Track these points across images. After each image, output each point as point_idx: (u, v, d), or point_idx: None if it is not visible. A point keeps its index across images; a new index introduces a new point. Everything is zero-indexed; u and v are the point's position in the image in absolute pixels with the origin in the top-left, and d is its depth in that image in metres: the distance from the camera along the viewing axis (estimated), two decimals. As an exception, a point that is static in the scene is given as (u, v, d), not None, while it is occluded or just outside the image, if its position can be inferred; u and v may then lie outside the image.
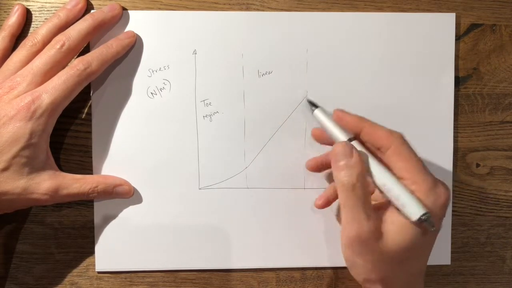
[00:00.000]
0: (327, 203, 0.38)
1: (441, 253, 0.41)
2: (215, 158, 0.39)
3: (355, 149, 0.33)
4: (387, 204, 0.33)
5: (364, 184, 0.32)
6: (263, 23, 0.39)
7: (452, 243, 0.41)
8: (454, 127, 0.40)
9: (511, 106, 0.41)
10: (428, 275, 0.42)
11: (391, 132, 0.33)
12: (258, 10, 0.39)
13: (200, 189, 0.39)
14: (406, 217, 0.31)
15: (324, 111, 0.36)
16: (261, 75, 0.39)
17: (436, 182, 0.32)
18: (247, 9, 0.39)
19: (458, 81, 0.41)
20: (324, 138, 0.38)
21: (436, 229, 0.32)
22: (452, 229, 0.41)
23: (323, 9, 0.40)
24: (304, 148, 0.40)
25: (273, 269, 0.41)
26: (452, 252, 0.41)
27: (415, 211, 0.31)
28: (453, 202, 0.41)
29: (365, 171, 0.32)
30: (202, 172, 0.39)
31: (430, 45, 0.40)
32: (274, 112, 0.40)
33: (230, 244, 0.40)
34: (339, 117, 0.35)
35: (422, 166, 0.33)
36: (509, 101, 0.41)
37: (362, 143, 0.34)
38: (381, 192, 0.33)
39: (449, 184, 0.40)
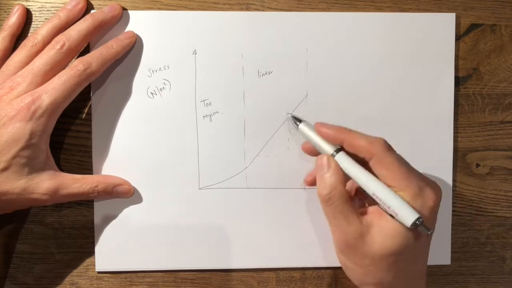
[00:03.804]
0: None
1: (441, 253, 0.41)
2: (215, 158, 0.39)
3: (334, 161, 0.34)
4: (376, 209, 0.33)
5: (341, 194, 0.32)
6: (263, 23, 0.39)
7: (452, 243, 0.41)
8: (454, 127, 0.40)
9: (511, 106, 0.41)
10: (428, 275, 0.41)
11: (371, 141, 0.33)
12: (258, 10, 0.39)
13: (200, 189, 0.39)
14: (400, 224, 0.31)
15: (309, 125, 0.36)
16: (261, 75, 0.39)
17: (422, 186, 0.32)
18: (247, 9, 0.39)
19: (458, 81, 0.41)
20: (314, 151, 0.37)
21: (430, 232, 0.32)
22: (452, 229, 0.41)
23: (323, 9, 0.40)
24: (304, 148, 0.40)
25: (273, 269, 0.41)
26: (452, 252, 0.41)
27: (408, 217, 0.31)
28: (453, 202, 0.41)
29: (343, 181, 0.33)
30: (202, 172, 0.39)
31: (430, 45, 0.40)
32: (274, 112, 0.40)
33: (230, 244, 0.40)
34: (319, 131, 0.35)
35: (406, 171, 0.32)
36: (509, 101, 0.41)
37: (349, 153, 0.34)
38: (373, 200, 0.33)
39: (449, 184, 0.41)
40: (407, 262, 0.33)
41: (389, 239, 0.32)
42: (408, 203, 0.31)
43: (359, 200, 0.38)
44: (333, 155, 0.34)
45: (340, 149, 0.34)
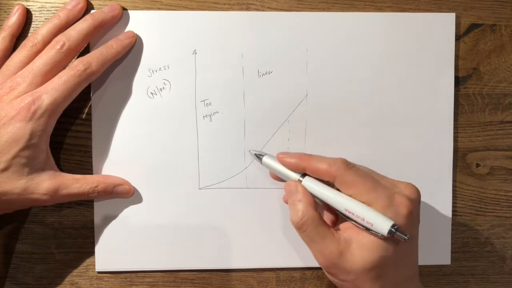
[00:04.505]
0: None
1: (441, 253, 0.41)
2: (215, 158, 0.39)
3: (301, 186, 0.34)
4: (353, 225, 0.33)
5: (313, 217, 0.32)
6: (263, 23, 0.39)
7: (452, 243, 0.41)
8: (454, 127, 0.41)
9: (511, 106, 0.41)
10: (428, 275, 0.42)
11: (331, 163, 0.33)
12: (258, 10, 0.39)
13: (200, 189, 0.39)
14: (377, 235, 0.31)
15: (272, 157, 0.37)
16: (261, 75, 0.39)
17: (391, 195, 0.32)
18: (247, 9, 0.39)
19: (458, 81, 0.41)
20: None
21: (411, 237, 0.32)
22: (452, 229, 0.41)
23: (323, 9, 0.40)
24: (304, 148, 0.40)
25: (273, 269, 0.41)
26: (452, 252, 0.41)
27: (383, 226, 0.31)
28: (453, 202, 0.41)
29: (312, 205, 0.33)
30: (202, 172, 0.39)
31: (430, 45, 0.40)
32: (274, 112, 0.40)
33: (230, 244, 0.40)
34: (282, 161, 0.35)
35: (372, 184, 0.32)
36: (509, 101, 0.41)
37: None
38: (346, 218, 0.33)
39: (449, 184, 0.40)
40: (391, 270, 0.32)
41: (369, 253, 0.31)
42: None
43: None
44: (299, 181, 0.34)
45: (305, 174, 0.35)
